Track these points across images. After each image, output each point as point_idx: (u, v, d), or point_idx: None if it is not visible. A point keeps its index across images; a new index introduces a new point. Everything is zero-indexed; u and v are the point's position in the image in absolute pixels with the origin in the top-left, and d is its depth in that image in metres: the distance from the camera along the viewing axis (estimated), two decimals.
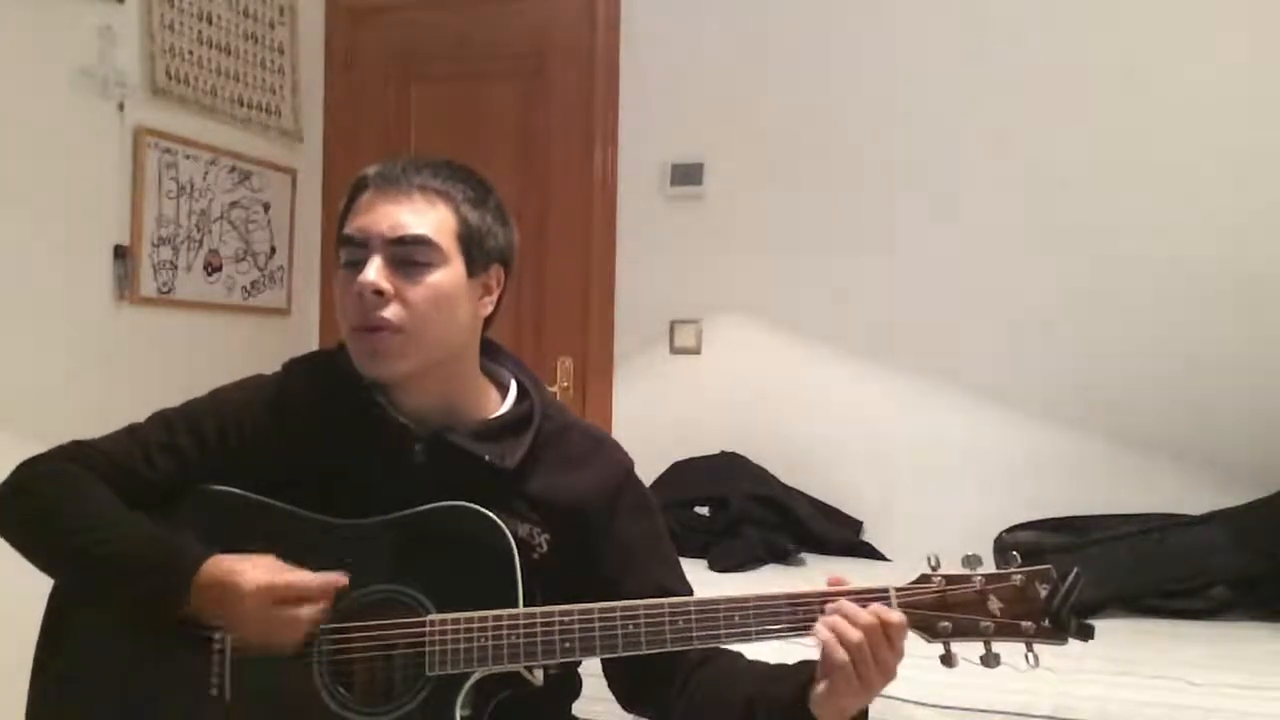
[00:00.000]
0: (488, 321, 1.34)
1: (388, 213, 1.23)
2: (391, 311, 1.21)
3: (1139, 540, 2.42)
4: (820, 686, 1.11)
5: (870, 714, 1.18)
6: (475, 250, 1.26)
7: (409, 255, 1.22)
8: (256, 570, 1.16)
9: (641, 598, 1.19)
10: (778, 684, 1.17)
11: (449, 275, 1.24)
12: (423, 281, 1.22)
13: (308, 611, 1.16)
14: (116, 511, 1.24)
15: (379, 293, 1.20)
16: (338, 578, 1.18)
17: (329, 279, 3.25)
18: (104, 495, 1.26)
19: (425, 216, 1.23)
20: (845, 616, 1.10)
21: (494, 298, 1.31)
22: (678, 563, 1.38)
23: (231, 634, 1.19)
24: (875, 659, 1.08)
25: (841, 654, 1.09)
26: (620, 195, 3.34)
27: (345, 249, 1.25)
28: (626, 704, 1.36)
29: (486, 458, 1.25)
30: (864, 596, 1.13)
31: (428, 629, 1.16)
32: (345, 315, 1.24)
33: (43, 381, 2.60)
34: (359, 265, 1.22)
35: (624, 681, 1.33)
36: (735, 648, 1.25)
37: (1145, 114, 2.83)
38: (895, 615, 1.10)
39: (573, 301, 3.37)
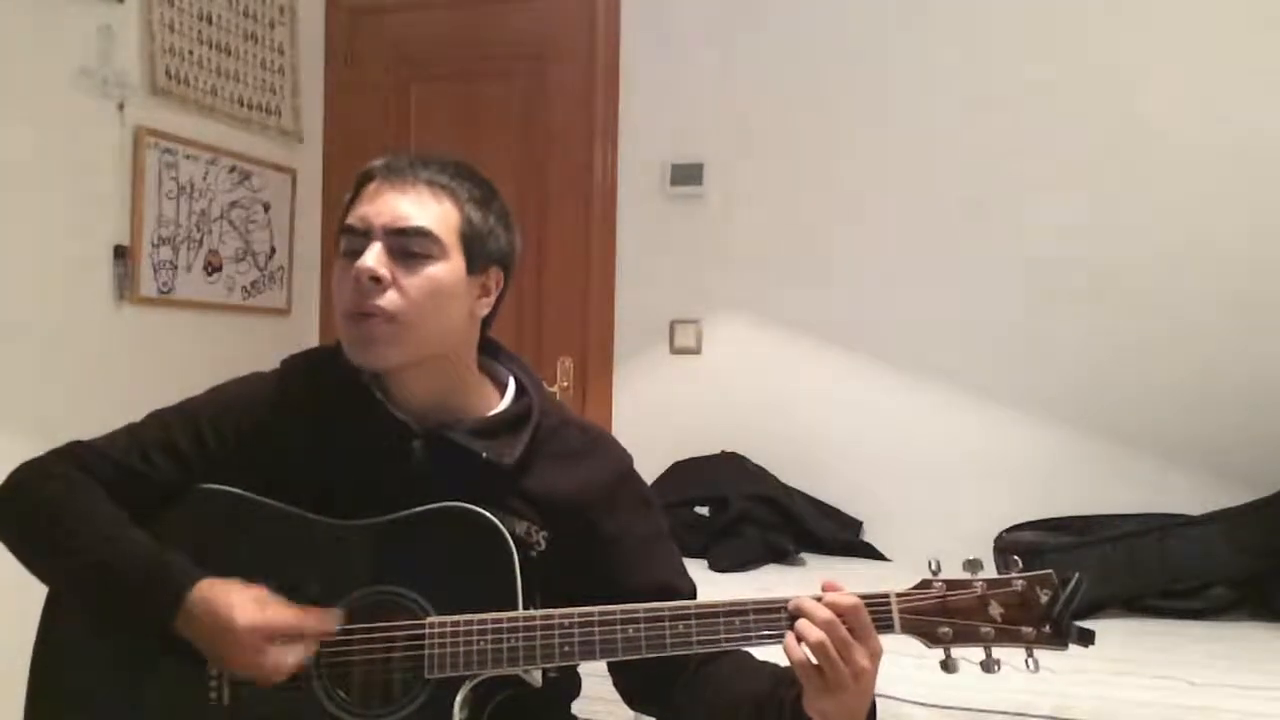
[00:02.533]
0: (486, 323, 1.34)
1: (391, 203, 1.22)
2: (387, 299, 1.20)
3: (1139, 540, 2.42)
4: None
5: None
6: (476, 249, 1.25)
7: (409, 246, 1.21)
8: (247, 605, 1.15)
9: (644, 593, 1.19)
10: (787, 685, 1.16)
11: (448, 269, 1.23)
12: (421, 272, 1.21)
13: (294, 655, 1.15)
14: (111, 522, 1.24)
15: (376, 279, 1.19)
16: (330, 624, 1.17)
17: (329, 279, 3.24)
18: (100, 504, 1.25)
19: (428, 209, 1.23)
20: (806, 614, 1.09)
21: (491, 299, 1.31)
22: (680, 560, 1.37)
23: (215, 664, 1.18)
24: (843, 658, 1.07)
25: (799, 654, 1.08)
26: (620, 195, 3.34)
27: (346, 237, 1.24)
28: (631, 702, 1.36)
29: (484, 455, 1.25)
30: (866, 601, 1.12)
31: (427, 632, 1.16)
32: (340, 301, 1.24)
33: (43, 382, 2.60)
34: (358, 253, 1.21)
35: (629, 680, 1.32)
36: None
37: (1147, 115, 2.83)
38: (846, 598, 1.09)
39: (573, 301, 3.37)
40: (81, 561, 1.21)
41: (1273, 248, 2.73)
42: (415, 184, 1.23)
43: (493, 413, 1.31)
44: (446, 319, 1.24)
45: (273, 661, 1.14)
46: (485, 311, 1.31)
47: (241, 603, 1.15)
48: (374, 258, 1.20)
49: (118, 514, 1.25)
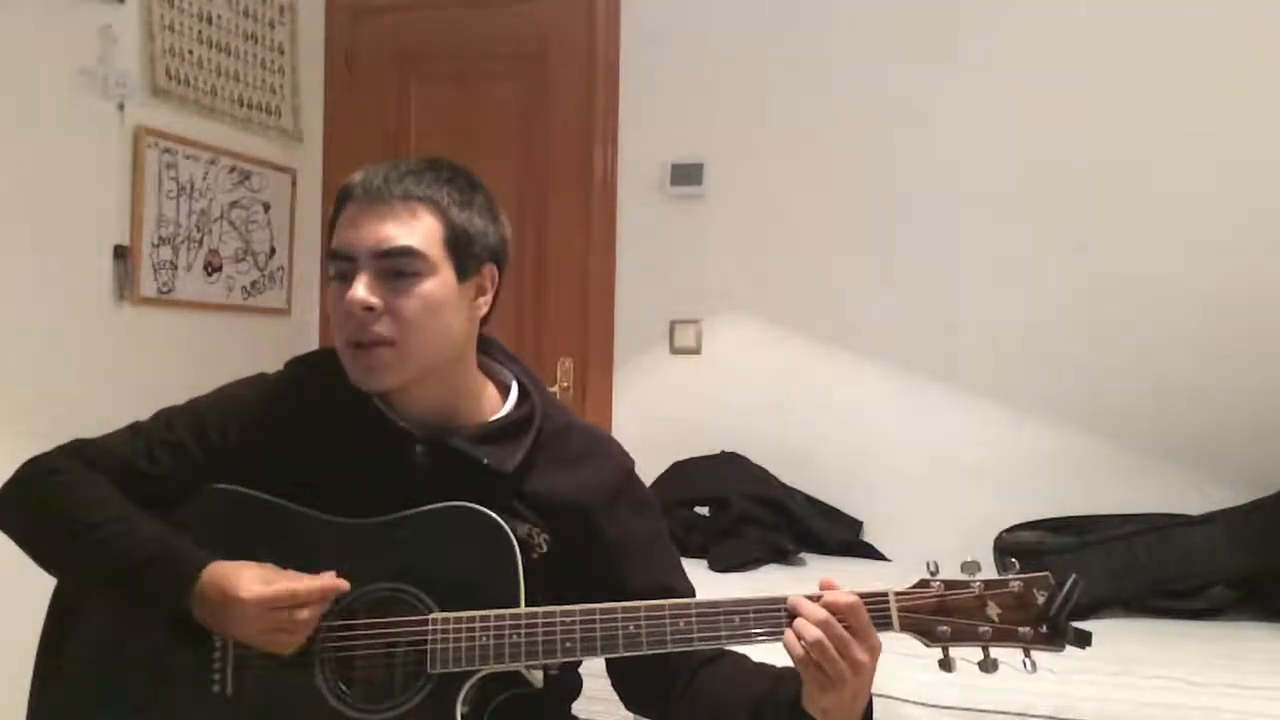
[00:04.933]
0: (485, 319, 1.34)
1: (372, 226, 1.22)
2: (383, 326, 1.21)
3: (1139, 540, 2.42)
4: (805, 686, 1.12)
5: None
6: (464, 254, 1.26)
7: (396, 267, 1.21)
8: (253, 578, 1.16)
9: (644, 596, 1.20)
10: (785, 685, 1.17)
11: (438, 284, 1.23)
12: (412, 293, 1.22)
13: (305, 615, 1.16)
14: (120, 509, 1.25)
15: (369, 309, 1.20)
16: (338, 582, 1.19)
17: (328, 281, 3.25)
18: (107, 492, 1.26)
19: (410, 227, 1.22)
20: (802, 614, 1.11)
21: (489, 297, 1.31)
22: (679, 562, 1.38)
23: (230, 639, 1.20)
24: (841, 654, 1.08)
25: (799, 650, 1.09)
26: (620, 195, 3.34)
27: (334, 262, 1.25)
28: (629, 703, 1.36)
29: (486, 461, 1.26)
30: (865, 600, 1.12)
31: (430, 627, 1.17)
32: (337, 328, 1.25)
33: (43, 381, 2.60)
34: (348, 279, 1.22)
35: (627, 681, 1.33)
36: (737, 649, 1.25)
37: (1147, 119, 2.83)
38: (844, 597, 1.10)
39: (573, 301, 3.37)
40: (90, 548, 1.22)
41: (1273, 248, 2.73)
42: (391, 202, 1.22)
43: (495, 417, 1.31)
44: (444, 333, 1.25)
45: (283, 625, 1.15)
46: (484, 311, 1.31)
47: (249, 577, 1.16)
48: (363, 288, 1.20)
49: (122, 502, 1.26)
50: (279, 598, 1.15)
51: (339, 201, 1.27)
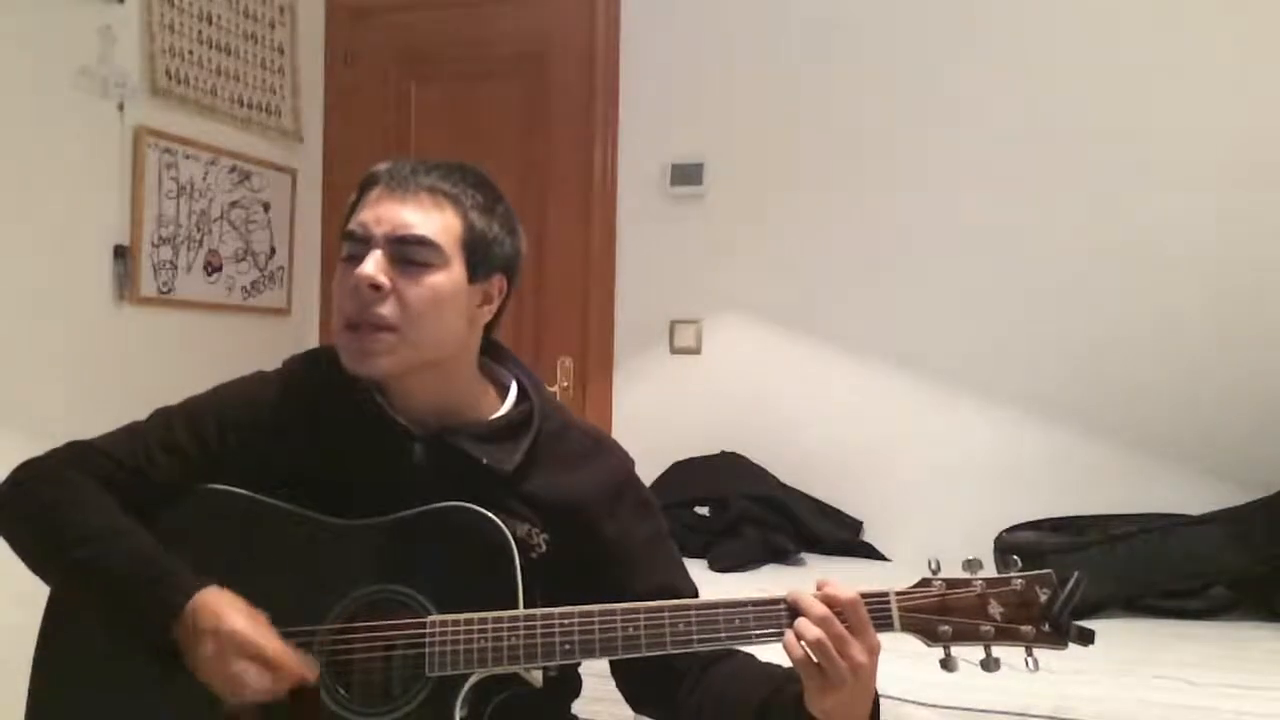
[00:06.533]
0: (490, 328, 1.33)
1: (393, 211, 1.22)
2: (387, 308, 1.20)
3: (1139, 540, 2.42)
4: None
5: None
6: (479, 257, 1.25)
7: (410, 254, 1.21)
8: (240, 617, 1.15)
9: (646, 597, 1.19)
10: (791, 684, 1.16)
11: (448, 278, 1.23)
12: (421, 282, 1.21)
13: (261, 682, 1.13)
14: (112, 525, 1.23)
15: (376, 287, 1.20)
16: (308, 674, 1.15)
17: (329, 279, 3.25)
18: (102, 505, 1.25)
19: (430, 217, 1.22)
20: (803, 609, 1.10)
21: (493, 307, 1.31)
22: (681, 561, 1.37)
23: (192, 665, 1.16)
24: (840, 654, 1.07)
25: (799, 652, 1.09)
26: (620, 195, 3.34)
27: (348, 243, 1.25)
28: (634, 704, 1.36)
29: (485, 460, 1.25)
30: (866, 599, 1.12)
31: (428, 630, 1.16)
32: (340, 309, 1.24)
33: (43, 381, 2.60)
34: (359, 259, 1.21)
35: (632, 681, 1.32)
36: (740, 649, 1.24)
37: (1146, 112, 2.83)
38: (844, 591, 1.10)
39: (573, 301, 3.37)
40: (79, 566, 1.21)
41: (1273, 249, 2.73)
42: (417, 191, 1.23)
43: (494, 417, 1.31)
44: (445, 328, 1.24)
45: (241, 675, 1.13)
46: (487, 319, 1.31)
47: (235, 613, 1.15)
48: (374, 265, 1.20)
49: (119, 516, 1.25)
50: (254, 647, 1.13)
51: (362, 187, 1.27)
